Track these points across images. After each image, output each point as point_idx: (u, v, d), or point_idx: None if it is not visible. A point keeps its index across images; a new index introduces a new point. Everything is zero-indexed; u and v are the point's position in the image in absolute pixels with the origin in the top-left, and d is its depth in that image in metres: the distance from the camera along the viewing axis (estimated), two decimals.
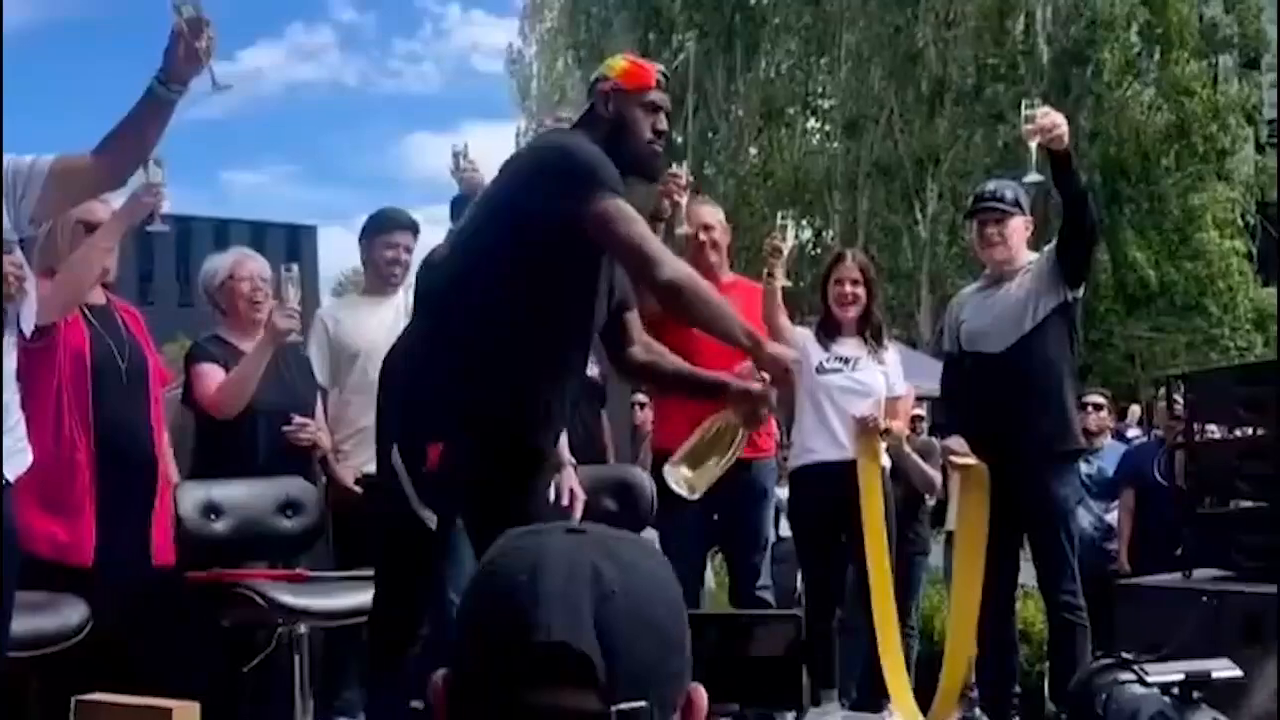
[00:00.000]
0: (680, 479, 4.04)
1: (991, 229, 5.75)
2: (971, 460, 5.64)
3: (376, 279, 5.91)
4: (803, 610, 6.20)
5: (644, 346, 4.35)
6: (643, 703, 1.24)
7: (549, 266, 3.81)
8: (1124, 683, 4.05)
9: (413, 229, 5.98)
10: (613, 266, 4.01)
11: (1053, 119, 5.29)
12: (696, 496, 4.11)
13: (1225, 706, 3.98)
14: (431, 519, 3.90)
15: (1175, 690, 3.88)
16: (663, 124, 4.05)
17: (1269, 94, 31.87)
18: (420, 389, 3.93)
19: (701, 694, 1.34)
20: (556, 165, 3.83)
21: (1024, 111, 5.39)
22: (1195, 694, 3.86)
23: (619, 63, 4.10)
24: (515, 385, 3.89)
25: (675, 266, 3.79)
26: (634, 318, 4.33)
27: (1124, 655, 4.18)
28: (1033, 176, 5.46)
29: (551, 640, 1.22)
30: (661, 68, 4.17)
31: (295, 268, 5.59)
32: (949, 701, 5.60)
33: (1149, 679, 3.95)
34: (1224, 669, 3.99)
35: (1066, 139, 5.32)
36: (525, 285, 3.81)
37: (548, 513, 4.32)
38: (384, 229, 5.91)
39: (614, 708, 1.23)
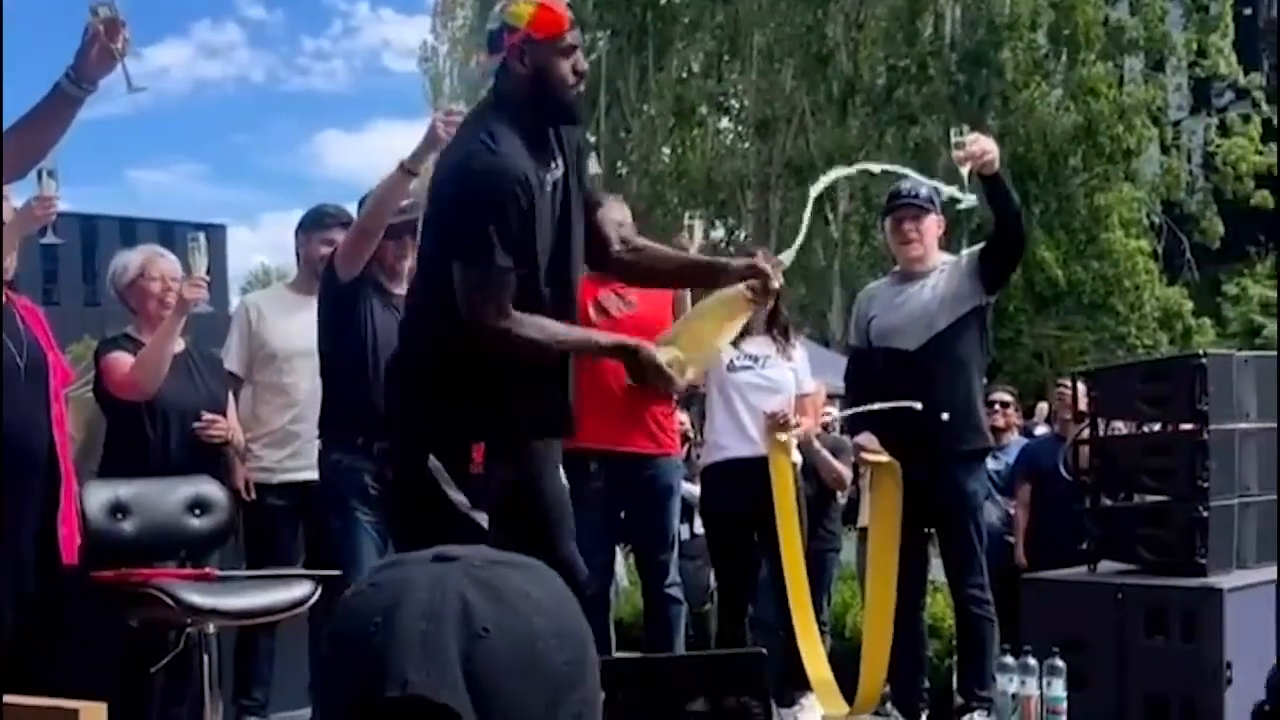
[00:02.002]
0: (672, 359, 3.91)
1: (908, 225, 5.80)
2: (883, 457, 5.69)
3: (309, 276, 5.79)
4: (715, 607, 6.23)
5: (624, 244, 4.30)
6: None
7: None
8: None
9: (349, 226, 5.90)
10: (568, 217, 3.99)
11: (982, 145, 5.38)
12: (686, 380, 4.02)
13: None
14: (484, 519, 3.86)
15: None
16: (582, 64, 3.95)
17: (1174, 96, 32.33)
18: (449, 392, 3.89)
19: None
20: (454, 213, 3.84)
21: (954, 139, 5.46)
22: None
23: (525, 9, 3.87)
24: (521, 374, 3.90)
25: (492, 320, 3.78)
26: (605, 215, 4.29)
27: None
28: (968, 201, 5.52)
29: (408, 694, 1.07)
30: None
31: (201, 237, 5.52)
32: (872, 696, 5.64)
33: None
34: None
35: (997, 163, 5.41)
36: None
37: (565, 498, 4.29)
38: (322, 225, 5.83)
39: None
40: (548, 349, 3.88)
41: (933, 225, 5.85)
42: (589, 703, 1.16)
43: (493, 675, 1.09)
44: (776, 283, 4.09)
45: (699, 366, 4.06)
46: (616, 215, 5.98)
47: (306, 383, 5.57)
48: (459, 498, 3.84)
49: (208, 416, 5.47)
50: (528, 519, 3.99)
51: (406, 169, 4.99)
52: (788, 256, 4.31)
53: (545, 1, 3.89)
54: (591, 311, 5.61)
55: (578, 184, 4.05)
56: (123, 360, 5.37)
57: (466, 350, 3.84)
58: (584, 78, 3.99)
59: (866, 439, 5.80)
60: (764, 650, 4.94)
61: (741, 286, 4.07)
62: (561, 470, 4.30)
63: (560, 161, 3.99)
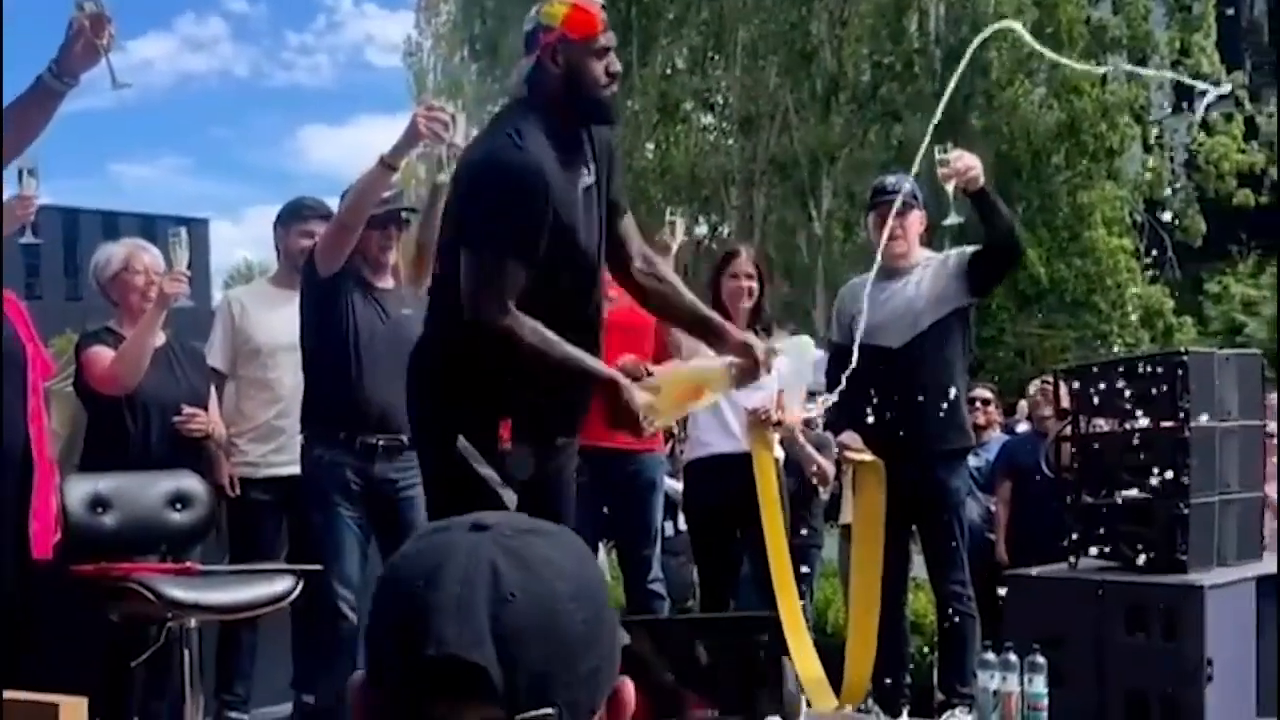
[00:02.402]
0: (646, 404, 3.95)
1: (893, 221, 5.81)
2: (866, 456, 5.70)
3: (290, 269, 5.79)
4: (697, 603, 6.24)
5: (646, 262, 4.32)
6: (549, 710, 1.20)
7: None
8: None
9: (329, 219, 5.87)
10: (594, 207, 4.02)
11: (966, 161, 5.40)
12: (653, 427, 4.04)
13: None
14: (512, 499, 3.88)
15: None
16: (615, 65, 3.97)
17: (1156, 95, 32.38)
18: (472, 374, 3.92)
19: (629, 688, 1.30)
20: (470, 203, 3.86)
21: (938, 155, 5.47)
22: None
23: (559, 9, 3.90)
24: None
25: (499, 318, 3.80)
26: (627, 225, 4.29)
27: None
28: (952, 219, 5.54)
29: (443, 654, 1.18)
30: (601, 1, 4.03)
31: (183, 231, 5.50)
32: (858, 690, 5.65)
33: None
34: None
35: (982, 178, 5.42)
36: None
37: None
38: (301, 218, 5.82)
39: (517, 717, 1.19)
40: (544, 358, 3.88)
41: (916, 221, 5.87)
42: (606, 659, 1.26)
43: (517, 636, 1.19)
44: (765, 375, 4.15)
45: (667, 420, 4.13)
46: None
47: (290, 377, 5.56)
48: (489, 473, 3.87)
49: (188, 410, 5.46)
50: (546, 500, 4.02)
51: (386, 163, 4.98)
52: (785, 345, 4.34)
53: (579, 2, 3.91)
54: None
55: (608, 190, 4.08)
56: (103, 354, 5.36)
57: (479, 344, 3.87)
58: (617, 79, 3.99)
59: (850, 437, 5.80)
60: (775, 616, 4.99)
61: (728, 362, 4.11)
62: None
63: (592, 168, 4.00)
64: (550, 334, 3.86)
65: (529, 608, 1.21)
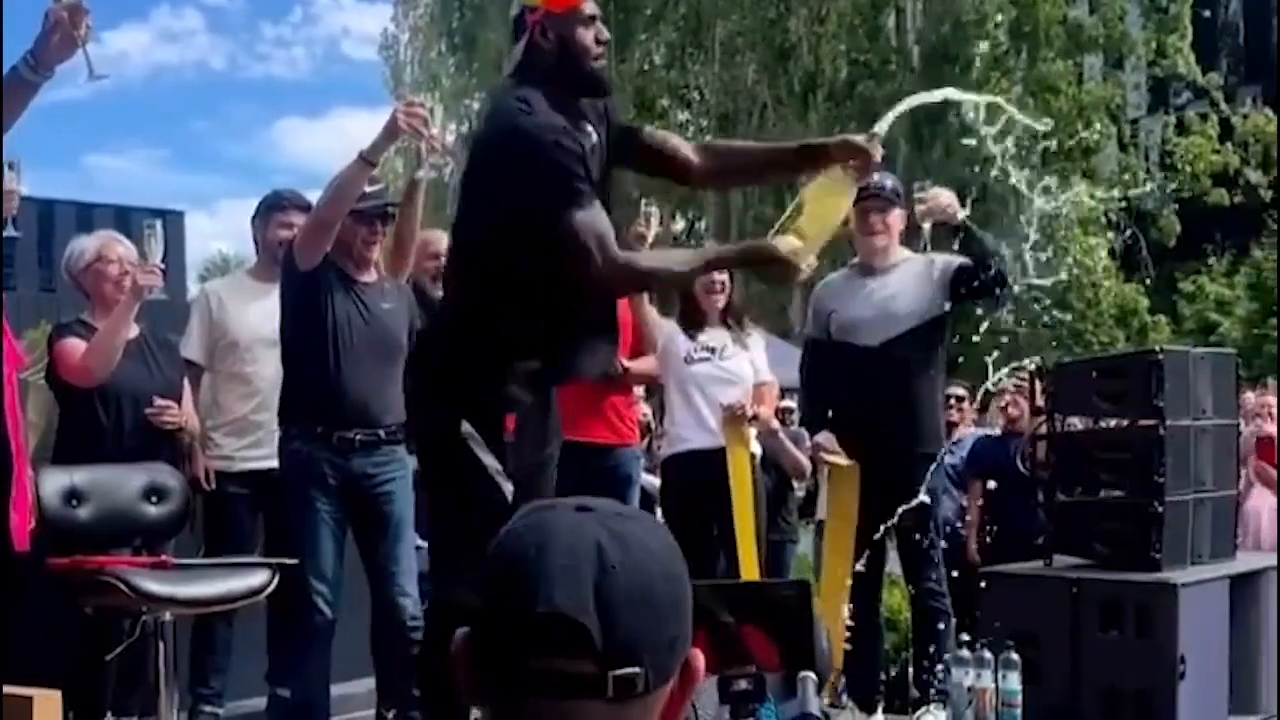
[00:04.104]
0: (791, 248, 3.95)
1: (875, 217, 5.81)
2: (842, 459, 5.71)
3: (269, 261, 5.74)
4: None
5: (701, 154, 4.35)
6: (637, 669, 1.35)
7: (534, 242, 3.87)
8: None
9: (308, 210, 5.85)
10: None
11: (940, 200, 5.41)
12: (807, 269, 4.02)
13: None
14: (509, 490, 3.90)
15: None
16: (604, 33, 4.02)
17: (1132, 94, 32.52)
18: (482, 361, 3.94)
19: (699, 658, 1.44)
20: (518, 172, 3.85)
21: (915, 194, 5.49)
22: None
23: None
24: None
25: (611, 262, 3.84)
26: (657, 137, 4.36)
27: None
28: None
29: (554, 611, 1.33)
30: None
31: (158, 224, 5.47)
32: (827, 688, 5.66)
33: None
34: None
35: (959, 214, 5.43)
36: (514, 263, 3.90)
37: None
38: (279, 208, 5.78)
39: (610, 672, 1.34)
40: (679, 275, 3.95)
41: (898, 219, 5.87)
42: (684, 633, 1.43)
43: (616, 603, 1.35)
44: (878, 156, 4.13)
45: (816, 249, 4.09)
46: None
47: (268, 371, 5.53)
48: (491, 462, 3.88)
49: (160, 403, 5.44)
50: (534, 495, 4.03)
51: (365, 160, 4.97)
52: (882, 127, 4.30)
53: None
54: None
55: (609, 151, 4.11)
56: (76, 346, 5.33)
57: (504, 317, 3.91)
58: (607, 46, 4.04)
59: (825, 439, 5.81)
60: (809, 581, 5.06)
61: (842, 167, 4.10)
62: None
63: (593, 132, 4.04)
64: (666, 253, 3.94)
65: (627, 580, 1.36)
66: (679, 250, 3.97)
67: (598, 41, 3.98)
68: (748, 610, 4.72)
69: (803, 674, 4.87)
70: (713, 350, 6.08)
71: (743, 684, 4.73)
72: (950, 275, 5.72)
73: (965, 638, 4.99)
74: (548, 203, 3.81)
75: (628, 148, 4.26)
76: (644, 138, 4.36)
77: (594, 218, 3.83)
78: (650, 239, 5.96)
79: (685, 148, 4.35)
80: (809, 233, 4.02)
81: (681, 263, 3.98)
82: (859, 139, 4.17)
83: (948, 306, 5.79)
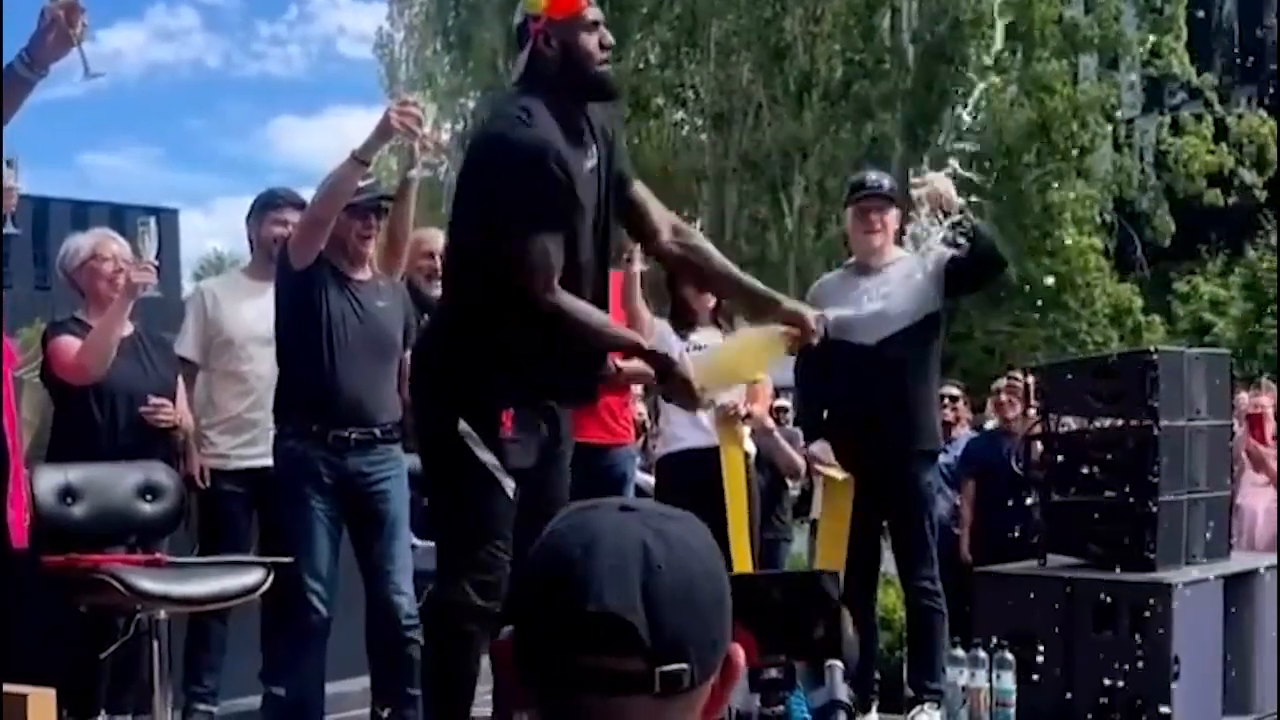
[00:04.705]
0: (702, 382, 4.01)
1: (874, 216, 5.82)
2: (837, 473, 5.72)
3: (264, 259, 5.73)
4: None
5: (674, 231, 4.37)
6: (683, 665, 1.38)
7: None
8: None
9: (303, 209, 5.83)
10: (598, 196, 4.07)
11: (936, 187, 5.41)
12: (706, 401, 4.09)
13: None
14: (510, 486, 3.95)
15: None
16: (608, 38, 4.05)
17: (1127, 94, 32.52)
18: (479, 360, 3.96)
19: (740, 653, 1.47)
20: (499, 181, 3.90)
21: (912, 179, 5.50)
22: None
23: None
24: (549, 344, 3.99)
25: (546, 296, 3.87)
26: (640, 193, 4.35)
27: None
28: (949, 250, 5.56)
29: (603, 611, 1.36)
30: None
31: (151, 221, 5.48)
32: None
33: None
34: None
35: (957, 200, 5.44)
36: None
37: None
38: (274, 206, 5.78)
39: (657, 669, 1.37)
40: (596, 336, 3.97)
41: (894, 218, 5.88)
42: (726, 629, 1.45)
43: (663, 602, 1.38)
44: (816, 338, 4.18)
45: (722, 388, 4.17)
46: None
47: (263, 369, 5.53)
48: (489, 459, 3.90)
49: (154, 401, 5.43)
50: (542, 491, 4.08)
51: (358, 158, 4.97)
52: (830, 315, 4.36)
53: None
54: None
55: (612, 169, 4.13)
56: (70, 344, 5.33)
57: (500, 318, 3.93)
58: (610, 51, 4.06)
59: (821, 449, 5.81)
60: (837, 571, 5.12)
61: (780, 331, 4.14)
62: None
63: (595, 150, 4.06)
64: (597, 313, 3.95)
65: (672, 579, 1.39)
66: (609, 324, 4.00)
67: (602, 46, 4.01)
68: (780, 598, 4.82)
69: (830, 662, 4.98)
70: (705, 349, 6.08)
71: (772, 673, 4.84)
72: (944, 269, 5.72)
73: (958, 638, 5.00)
74: (511, 218, 3.85)
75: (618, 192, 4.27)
76: (630, 192, 4.34)
77: (544, 248, 3.86)
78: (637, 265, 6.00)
79: (663, 220, 4.38)
80: (725, 373, 4.13)
81: (598, 335, 4.01)
82: (810, 314, 4.24)
83: (944, 303, 5.79)
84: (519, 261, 3.84)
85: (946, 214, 5.46)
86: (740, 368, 4.28)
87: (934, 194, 5.41)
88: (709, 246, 4.44)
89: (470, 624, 4.08)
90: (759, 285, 4.47)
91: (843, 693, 4.89)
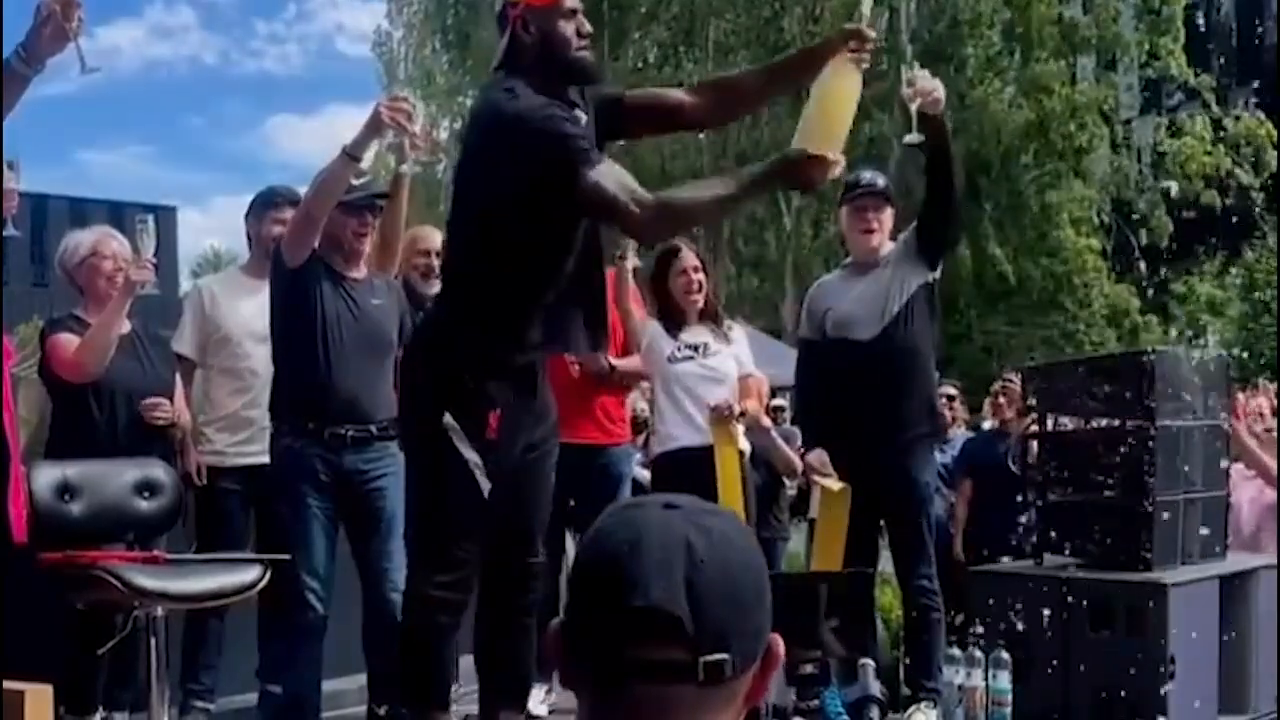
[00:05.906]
0: (817, 146, 3.90)
1: (870, 215, 5.83)
2: (834, 483, 5.71)
3: (262, 257, 5.72)
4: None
5: (694, 94, 4.35)
6: (725, 655, 1.45)
7: (526, 232, 3.94)
8: None
9: None
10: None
11: (927, 84, 5.37)
12: (839, 168, 3.95)
13: None
14: (487, 487, 3.96)
15: None
16: (585, 26, 4.05)
17: (1125, 95, 32.54)
18: (467, 358, 3.99)
19: (779, 643, 1.54)
20: (527, 146, 3.87)
21: (904, 75, 5.46)
22: None
23: None
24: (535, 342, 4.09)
25: (645, 206, 3.83)
26: (639, 93, 4.41)
27: None
28: (912, 137, 5.50)
29: (650, 603, 1.43)
30: None
31: (150, 219, 5.48)
32: None
33: None
34: None
35: (942, 104, 5.40)
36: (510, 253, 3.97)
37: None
38: (273, 204, 5.78)
39: (701, 659, 1.44)
40: (713, 211, 3.97)
41: (890, 217, 5.88)
42: (766, 618, 1.52)
43: (706, 595, 1.44)
44: (874, 34, 4.10)
45: (843, 137, 4.02)
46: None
47: (261, 367, 5.54)
48: (471, 456, 3.92)
49: (152, 399, 5.44)
50: (524, 489, 4.14)
51: (349, 155, 4.96)
52: (865, 6, 4.29)
53: None
54: None
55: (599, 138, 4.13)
56: (69, 341, 5.33)
57: (500, 316, 3.98)
58: (589, 39, 4.07)
59: (818, 459, 5.80)
60: (871, 570, 5.15)
61: (845, 56, 4.08)
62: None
63: (582, 115, 4.06)
64: (693, 186, 3.99)
65: (715, 573, 1.46)
66: (709, 182, 3.97)
67: (579, 34, 4.02)
68: (816, 597, 4.89)
69: (863, 660, 5.04)
70: (695, 349, 6.07)
71: (808, 668, 4.90)
72: (914, 236, 5.74)
73: (953, 637, 5.01)
74: (560, 170, 3.81)
75: (616, 116, 4.28)
76: (630, 100, 4.37)
77: (611, 170, 3.85)
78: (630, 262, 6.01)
79: (675, 93, 4.40)
80: (832, 122, 3.98)
81: (712, 198, 3.90)
82: (849, 25, 4.18)
83: (929, 275, 5.77)
84: (598, 193, 3.78)
85: (928, 116, 5.40)
86: (841, 102, 4.11)
87: (924, 91, 5.36)
88: (722, 74, 4.46)
89: (440, 616, 4.13)
90: (791, 54, 4.43)
91: (875, 688, 5.01)
